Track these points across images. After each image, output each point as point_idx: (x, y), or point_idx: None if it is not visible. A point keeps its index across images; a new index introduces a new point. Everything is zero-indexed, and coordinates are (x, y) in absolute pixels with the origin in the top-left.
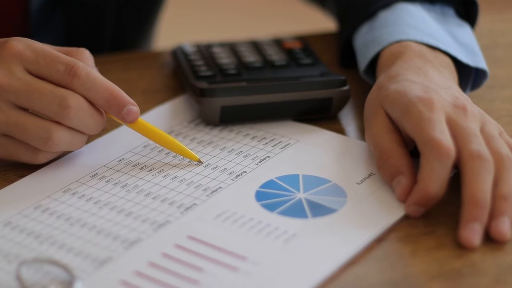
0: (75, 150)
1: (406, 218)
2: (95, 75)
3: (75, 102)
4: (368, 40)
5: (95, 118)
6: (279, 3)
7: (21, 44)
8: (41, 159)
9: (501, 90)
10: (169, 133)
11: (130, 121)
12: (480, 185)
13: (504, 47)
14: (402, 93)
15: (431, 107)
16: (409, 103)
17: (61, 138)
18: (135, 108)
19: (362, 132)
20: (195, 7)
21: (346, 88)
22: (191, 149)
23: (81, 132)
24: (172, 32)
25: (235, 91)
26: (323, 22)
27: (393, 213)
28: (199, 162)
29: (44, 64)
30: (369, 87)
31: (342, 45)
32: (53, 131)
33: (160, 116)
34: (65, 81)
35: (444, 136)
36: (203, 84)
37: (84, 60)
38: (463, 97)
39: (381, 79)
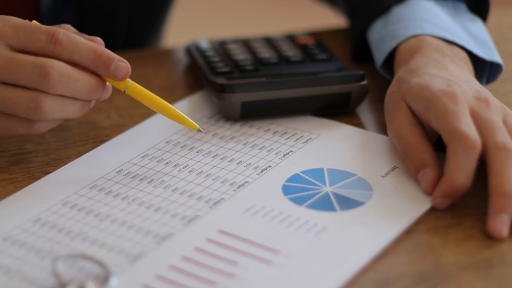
0: (74, 116)
1: (432, 210)
2: (77, 38)
3: (55, 68)
4: (384, 35)
5: (84, 82)
6: (263, 3)
7: (0, 22)
8: (39, 128)
9: None
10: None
11: (121, 78)
12: (507, 177)
13: None
14: (425, 87)
15: (455, 100)
16: (432, 96)
17: (50, 106)
18: (123, 63)
19: (380, 126)
20: (185, 7)
21: (364, 82)
22: (213, 145)
23: (73, 98)
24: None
25: (255, 87)
26: (311, 22)
27: (420, 205)
28: (199, 131)
29: (24, 36)
30: (384, 81)
31: (356, 41)
32: (40, 100)
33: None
34: (48, 49)
35: (470, 129)
36: (222, 80)
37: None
38: (484, 90)
39: (400, 73)
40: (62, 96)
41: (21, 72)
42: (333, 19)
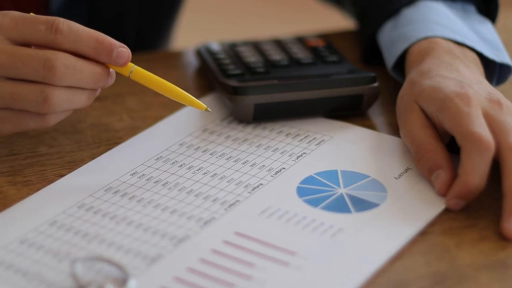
0: (82, 106)
1: (446, 211)
2: (78, 26)
3: (60, 60)
4: (394, 37)
5: (89, 71)
6: (268, 5)
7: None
8: (49, 121)
9: None
10: (203, 131)
11: (122, 64)
12: None
13: None
14: (438, 89)
15: (468, 101)
16: (446, 98)
17: (58, 97)
18: (124, 49)
19: (392, 128)
20: (191, 9)
21: (376, 84)
22: (226, 147)
23: (80, 88)
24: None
25: (268, 89)
26: (317, 24)
27: (434, 206)
28: (207, 110)
29: (24, 28)
30: (394, 83)
31: (366, 42)
32: (47, 93)
33: (192, 115)
34: (49, 39)
35: (483, 130)
36: (235, 82)
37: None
38: (496, 92)
39: (412, 75)
40: (68, 87)
41: (26, 67)
42: (340, 21)
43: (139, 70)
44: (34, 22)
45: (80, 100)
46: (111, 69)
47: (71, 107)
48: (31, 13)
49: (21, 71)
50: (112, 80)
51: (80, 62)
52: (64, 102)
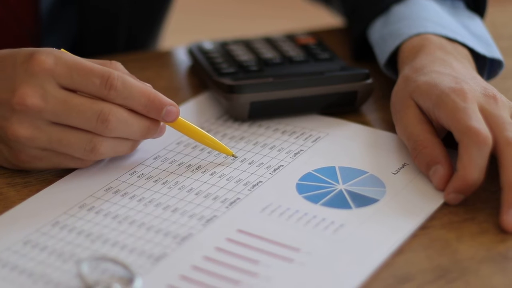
0: (124, 154)
1: (445, 205)
2: (131, 83)
3: (113, 115)
4: (385, 34)
5: (138, 124)
6: (252, 3)
7: (51, 59)
8: (88, 164)
9: None
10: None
11: (170, 121)
12: None
13: (508, 38)
14: (433, 85)
15: (465, 97)
16: (442, 94)
17: (105, 148)
18: (174, 108)
19: (386, 123)
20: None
21: (370, 81)
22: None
23: (126, 139)
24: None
25: (263, 87)
26: (303, 21)
27: (433, 201)
28: (234, 156)
29: (78, 78)
30: (386, 79)
31: (356, 39)
32: (96, 143)
33: (187, 114)
34: (102, 93)
35: (481, 125)
36: (230, 81)
37: (118, 71)
38: (490, 87)
39: (406, 71)
40: (116, 137)
41: (79, 117)
42: (326, 18)
43: (181, 121)
44: (88, 74)
45: (124, 149)
46: (161, 123)
47: (115, 155)
48: (86, 59)
49: (74, 120)
50: (162, 133)
51: (132, 117)
52: (110, 151)
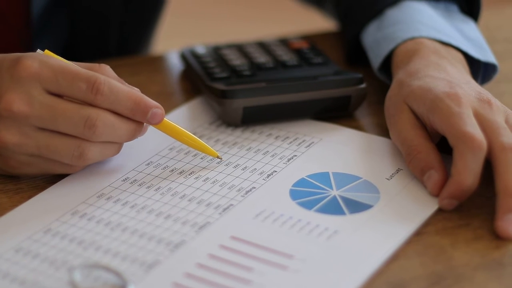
0: (112, 156)
1: (439, 211)
2: (118, 87)
3: (100, 120)
4: (379, 38)
5: (125, 128)
6: (242, 7)
7: (36, 63)
8: (77, 169)
9: (508, 83)
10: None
11: (156, 123)
12: None
13: (502, 41)
14: (427, 89)
15: (459, 102)
16: (436, 98)
17: (93, 153)
18: (159, 110)
19: (379, 128)
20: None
21: (363, 86)
22: (216, 151)
23: (114, 142)
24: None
25: (256, 92)
26: (296, 25)
27: (428, 206)
28: (219, 158)
29: (64, 83)
30: (379, 84)
31: (350, 44)
32: (83, 148)
33: (180, 119)
34: (89, 98)
35: (475, 130)
36: (222, 86)
37: (106, 75)
38: (485, 91)
39: (400, 76)
40: (104, 142)
41: (66, 123)
42: (318, 21)
43: (166, 123)
44: (74, 79)
45: (112, 152)
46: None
47: (103, 158)
48: (72, 63)
49: (61, 126)
50: (144, 131)
51: (119, 121)
52: (98, 155)
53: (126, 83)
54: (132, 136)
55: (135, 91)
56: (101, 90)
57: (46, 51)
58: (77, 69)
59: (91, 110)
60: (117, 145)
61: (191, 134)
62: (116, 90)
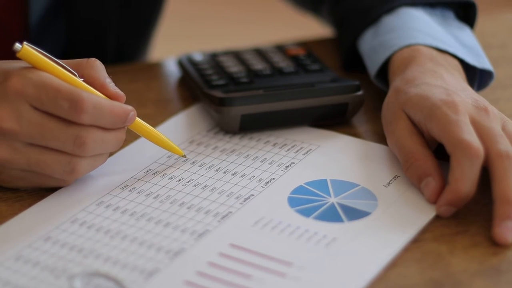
0: (101, 164)
1: (437, 218)
2: (101, 103)
3: (89, 137)
4: (376, 45)
5: (112, 138)
6: (238, 11)
7: (21, 81)
8: (70, 182)
9: (503, 90)
10: (190, 142)
11: (130, 124)
12: (511, 184)
13: (497, 47)
14: (424, 97)
15: (456, 109)
16: (433, 106)
17: (84, 167)
18: (133, 113)
19: (376, 135)
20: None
21: (360, 93)
22: (214, 158)
23: (102, 153)
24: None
25: (254, 99)
26: (279, 29)
27: (425, 213)
28: (184, 157)
29: (47, 102)
30: (376, 90)
31: (347, 50)
32: (74, 164)
33: (178, 127)
34: (73, 117)
35: (472, 138)
36: (220, 93)
37: (96, 72)
38: (481, 99)
39: (397, 83)
40: (93, 155)
41: (55, 141)
42: (315, 26)
43: (137, 122)
44: (56, 97)
45: (102, 161)
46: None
47: (93, 169)
48: (63, 61)
49: (50, 143)
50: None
51: (106, 133)
52: (89, 168)
53: (110, 78)
54: (119, 144)
55: (115, 103)
56: (85, 109)
57: (24, 46)
58: (58, 85)
59: (79, 128)
60: (106, 155)
61: (159, 132)
62: (100, 106)
